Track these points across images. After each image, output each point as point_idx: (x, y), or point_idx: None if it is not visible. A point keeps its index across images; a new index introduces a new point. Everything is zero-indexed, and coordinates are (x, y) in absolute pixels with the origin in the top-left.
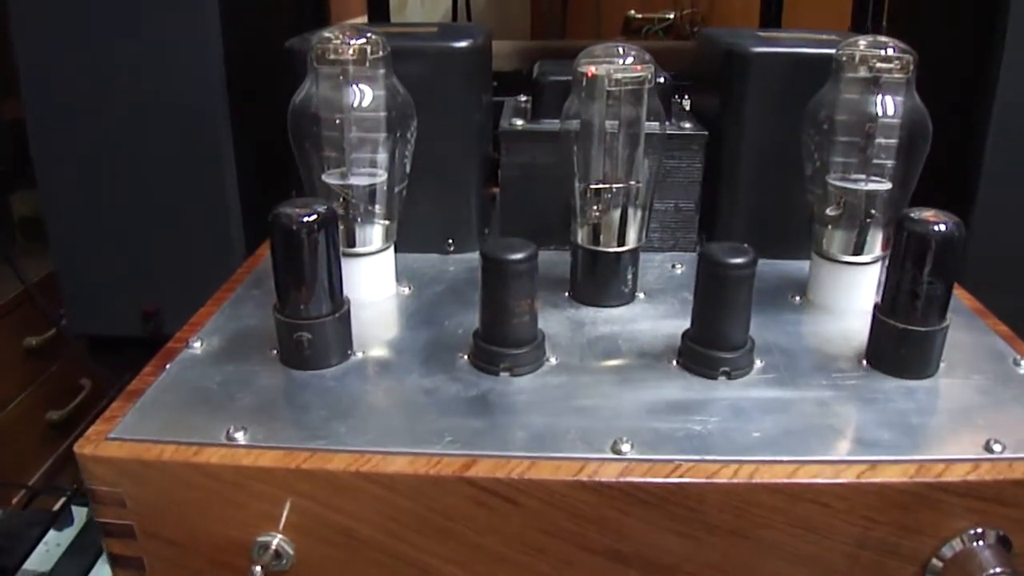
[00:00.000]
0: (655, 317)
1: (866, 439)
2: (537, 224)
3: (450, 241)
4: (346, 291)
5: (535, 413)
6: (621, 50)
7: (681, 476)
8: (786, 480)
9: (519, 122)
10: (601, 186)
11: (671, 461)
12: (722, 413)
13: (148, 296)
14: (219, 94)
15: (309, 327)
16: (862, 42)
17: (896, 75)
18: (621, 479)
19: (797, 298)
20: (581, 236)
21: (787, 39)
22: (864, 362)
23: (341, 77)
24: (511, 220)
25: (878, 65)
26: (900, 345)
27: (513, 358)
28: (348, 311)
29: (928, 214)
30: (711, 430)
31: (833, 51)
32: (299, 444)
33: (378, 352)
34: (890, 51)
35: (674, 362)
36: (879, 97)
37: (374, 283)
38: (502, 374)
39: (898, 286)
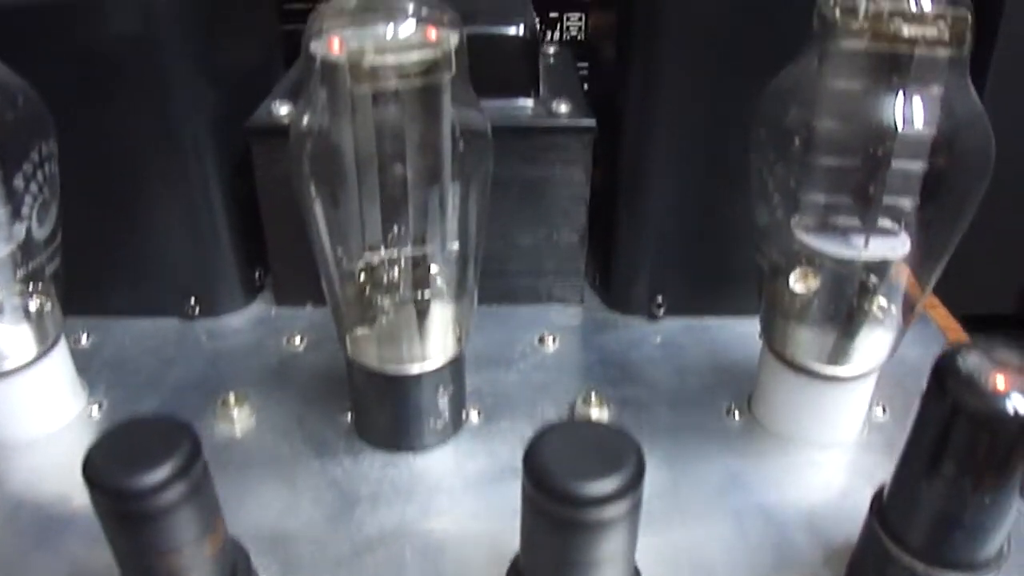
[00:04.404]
0: (490, 475)
1: None
2: None
3: (192, 301)
4: None
5: None
6: None
7: None
8: None
9: (284, 110)
10: (374, 259)
11: None
12: None
13: None
14: None
15: None
16: None
17: (938, 50)
18: None
19: (736, 413)
20: (350, 344)
21: None
22: None
23: None
24: (283, 265)
25: (903, 30)
26: None
27: None
28: None
29: (993, 368)
30: None
31: None
32: None
33: None
34: (926, 3)
35: None
36: (901, 93)
37: (24, 416)
38: None
39: (920, 496)
